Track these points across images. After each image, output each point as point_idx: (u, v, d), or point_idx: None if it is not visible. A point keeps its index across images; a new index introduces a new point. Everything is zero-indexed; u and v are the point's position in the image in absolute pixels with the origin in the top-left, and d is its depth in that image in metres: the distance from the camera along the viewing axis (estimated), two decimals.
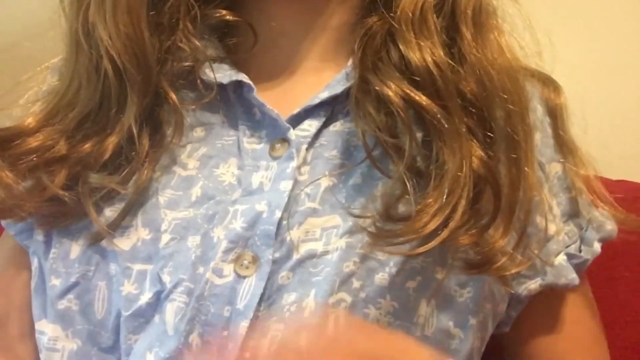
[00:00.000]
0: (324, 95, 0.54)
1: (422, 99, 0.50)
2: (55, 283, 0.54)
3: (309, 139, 0.54)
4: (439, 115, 0.50)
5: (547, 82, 0.60)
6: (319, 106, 0.55)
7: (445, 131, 0.50)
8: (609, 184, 0.62)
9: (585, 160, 0.59)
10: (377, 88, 0.51)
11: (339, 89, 0.54)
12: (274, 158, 0.54)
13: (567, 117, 0.60)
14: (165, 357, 0.49)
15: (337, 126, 0.55)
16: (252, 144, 0.55)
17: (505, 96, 0.51)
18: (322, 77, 0.56)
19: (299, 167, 0.53)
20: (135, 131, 0.52)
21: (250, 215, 0.51)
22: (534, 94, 0.59)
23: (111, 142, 0.53)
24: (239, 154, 0.54)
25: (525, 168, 0.52)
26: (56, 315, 0.53)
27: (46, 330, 0.54)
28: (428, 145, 0.51)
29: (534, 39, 0.57)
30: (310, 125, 0.54)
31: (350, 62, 0.55)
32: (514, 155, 0.51)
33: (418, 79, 0.51)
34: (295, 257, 0.50)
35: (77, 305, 0.53)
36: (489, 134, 0.51)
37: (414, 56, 0.51)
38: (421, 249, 0.49)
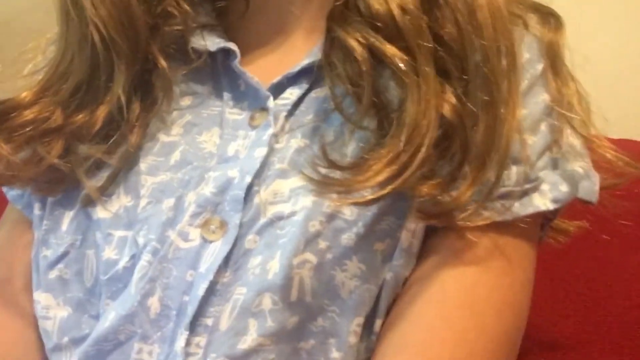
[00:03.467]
0: (305, 62, 0.53)
1: (381, 42, 0.48)
2: (47, 254, 0.54)
3: (289, 107, 0.53)
4: (396, 59, 0.47)
5: (547, 18, 0.55)
6: (302, 73, 0.53)
7: (406, 75, 0.47)
8: (610, 143, 0.61)
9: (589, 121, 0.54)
10: (337, 35, 0.49)
11: (319, 55, 0.52)
12: (253, 127, 0.53)
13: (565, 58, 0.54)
14: (123, 315, 0.49)
15: (317, 92, 0.53)
16: (234, 115, 0.54)
17: (484, 34, 0.47)
18: (313, 40, 0.54)
19: (276, 135, 0.52)
20: (124, 100, 0.52)
21: (222, 181, 0.51)
22: (527, 32, 0.54)
23: (102, 111, 0.53)
24: (221, 125, 0.54)
25: (502, 110, 0.47)
26: (47, 284, 0.54)
27: (39, 299, 0.54)
28: (395, 92, 0.49)
29: None
30: (292, 94, 0.53)
31: None
32: (488, 99, 0.47)
33: (381, 25, 0.48)
34: (263, 219, 0.49)
35: (67, 274, 0.54)
36: (464, 77, 0.48)
37: (375, 2, 0.48)
38: (370, 196, 0.46)
